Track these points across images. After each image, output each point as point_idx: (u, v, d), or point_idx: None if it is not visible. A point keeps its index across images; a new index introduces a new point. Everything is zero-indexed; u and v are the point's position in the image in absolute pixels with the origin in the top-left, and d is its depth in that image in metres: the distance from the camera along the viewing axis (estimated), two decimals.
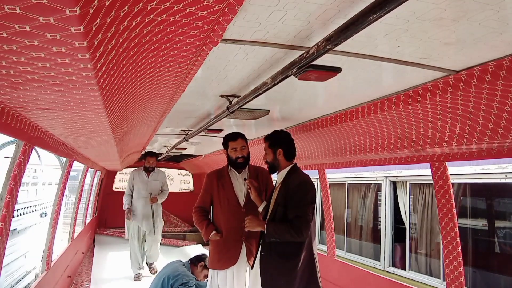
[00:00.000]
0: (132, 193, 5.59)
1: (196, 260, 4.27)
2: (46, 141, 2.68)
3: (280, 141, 2.62)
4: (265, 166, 2.80)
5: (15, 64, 1.07)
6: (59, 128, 2.46)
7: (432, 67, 1.85)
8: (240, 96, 2.49)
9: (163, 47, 1.29)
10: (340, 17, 1.37)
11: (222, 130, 3.99)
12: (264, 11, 1.35)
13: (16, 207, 3.13)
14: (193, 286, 3.92)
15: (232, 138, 3.04)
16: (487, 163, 4.70)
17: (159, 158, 7.22)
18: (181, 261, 4.36)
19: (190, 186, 9.67)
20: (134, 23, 0.97)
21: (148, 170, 5.60)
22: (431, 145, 2.36)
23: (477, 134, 2.00)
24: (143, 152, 5.32)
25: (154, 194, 5.55)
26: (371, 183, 6.80)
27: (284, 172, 2.59)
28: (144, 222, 5.47)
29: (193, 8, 1.02)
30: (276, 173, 2.68)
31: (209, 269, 3.14)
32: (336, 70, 1.80)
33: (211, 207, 3.17)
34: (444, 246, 2.73)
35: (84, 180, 6.28)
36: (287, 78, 1.80)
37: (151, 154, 5.71)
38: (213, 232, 2.98)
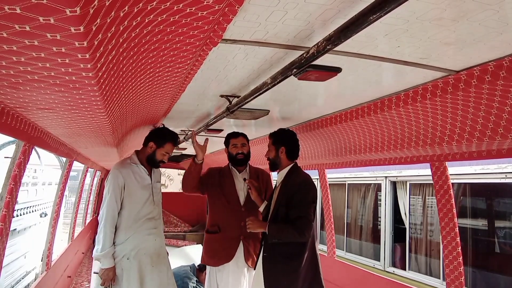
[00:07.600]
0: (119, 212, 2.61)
1: (204, 267, 4.35)
2: (46, 141, 2.68)
3: (284, 140, 2.62)
4: (267, 162, 2.80)
5: (15, 64, 1.07)
6: (59, 128, 2.46)
7: (432, 67, 1.85)
8: (240, 96, 2.49)
9: (163, 47, 1.29)
10: (340, 17, 1.37)
11: (222, 130, 3.99)
12: (264, 11, 1.35)
13: (16, 207, 3.13)
14: (193, 285, 3.96)
15: (233, 135, 3.11)
16: (487, 163, 4.70)
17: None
18: (189, 265, 4.47)
19: None
20: (134, 23, 0.97)
21: (159, 163, 2.79)
22: (431, 145, 2.36)
23: (477, 134, 2.00)
24: (160, 126, 2.95)
25: (159, 214, 2.81)
26: (371, 183, 6.80)
27: (284, 171, 2.58)
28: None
29: (193, 8, 1.02)
30: (277, 172, 2.68)
31: (207, 266, 3.14)
32: (336, 70, 1.80)
33: (207, 205, 3.19)
34: (444, 246, 2.73)
35: (84, 180, 6.28)
36: (287, 78, 1.80)
37: (175, 137, 2.84)
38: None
